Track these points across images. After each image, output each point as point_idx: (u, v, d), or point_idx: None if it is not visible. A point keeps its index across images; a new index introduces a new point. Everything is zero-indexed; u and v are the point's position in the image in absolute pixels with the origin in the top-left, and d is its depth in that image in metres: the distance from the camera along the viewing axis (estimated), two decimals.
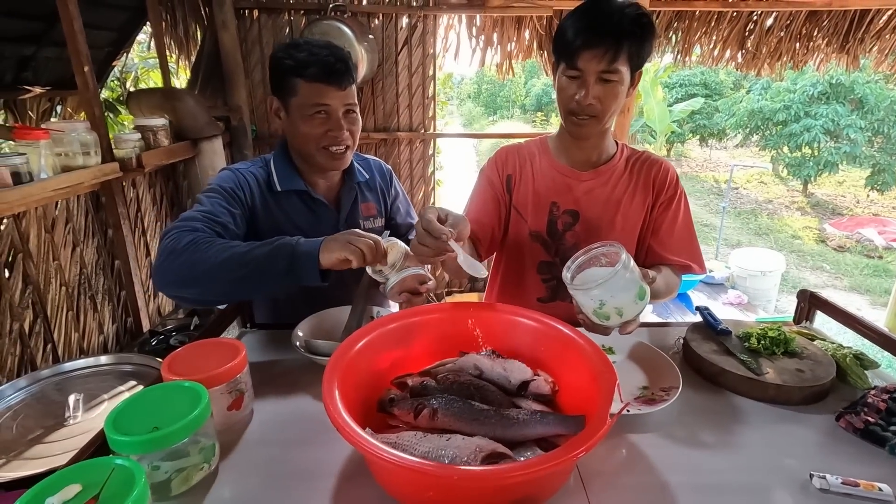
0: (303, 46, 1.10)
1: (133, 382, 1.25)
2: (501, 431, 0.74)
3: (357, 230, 0.97)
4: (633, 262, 0.87)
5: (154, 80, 3.59)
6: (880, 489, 0.70)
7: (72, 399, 1.14)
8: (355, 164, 1.30)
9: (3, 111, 2.31)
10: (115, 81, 3.44)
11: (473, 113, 22.63)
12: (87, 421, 1.13)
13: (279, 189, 1.18)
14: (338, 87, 1.11)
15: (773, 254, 5.41)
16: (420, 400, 0.79)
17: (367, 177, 1.34)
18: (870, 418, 0.83)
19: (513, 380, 0.87)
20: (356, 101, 1.18)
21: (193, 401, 0.72)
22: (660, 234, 1.23)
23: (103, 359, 1.29)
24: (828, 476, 0.72)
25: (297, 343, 1.02)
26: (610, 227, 1.21)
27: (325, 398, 0.68)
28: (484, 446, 0.70)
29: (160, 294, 2.14)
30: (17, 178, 1.29)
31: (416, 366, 0.93)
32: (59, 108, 2.68)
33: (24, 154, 1.31)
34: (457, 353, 0.94)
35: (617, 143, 1.25)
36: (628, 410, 0.83)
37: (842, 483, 0.71)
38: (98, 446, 0.72)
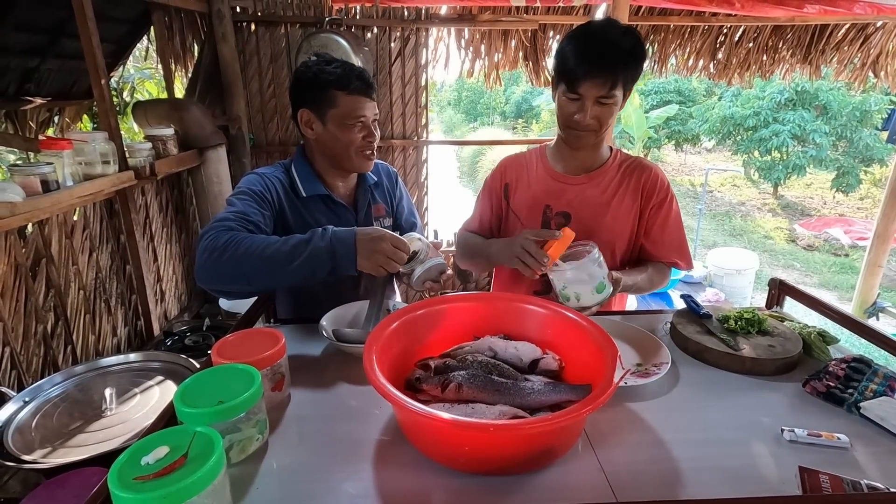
0: (334, 63, 1.22)
1: (160, 378, 1.33)
2: (520, 400, 0.84)
3: (384, 235, 1.06)
4: (602, 261, 1.07)
5: (149, 90, 3.64)
6: (839, 438, 0.83)
7: (107, 393, 1.22)
8: None
9: (4, 121, 2.35)
10: (113, 92, 3.48)
11: (454, 120, 22.81)
12: (121, 413, 1.20)
13: (304, 195, 1.27)
14: (371, 98, 1.25)
15: (747, 253, 5.66)
16: (445, 376, 0.90)
17: (376, 179, 1.44)
18: (831, 383, 0.96)
19: (524, 358, 0.98)
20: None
21: (247, 380, 0.81)
22: (651, 235, 1.35)
23: (132, 356, 1.36)
24: (796, 429, 0.85)
25: (325, 333, 1.12)
26: (600, 228, 1.32)
27: (370, 376, 0.77)
28: (506, 411, 0.81)
29: (167, 298, 2.20)
30: (46, 186, 1.36)
31: (435, 350, 1.03)
32: (56, 119, 2.72)
33: (52, 163, 1.38)
34: (471, 338, 1.05)
35: (611, 149, 1.38)
36: (626, 382, 0.95)
37: (807, 434, 0.84)
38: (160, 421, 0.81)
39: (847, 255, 7.35)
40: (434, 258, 1.14)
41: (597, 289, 1.06)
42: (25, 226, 1.44)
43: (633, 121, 10.02)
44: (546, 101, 12.59)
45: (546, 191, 1.35)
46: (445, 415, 0.69)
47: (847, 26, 3.14)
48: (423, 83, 3.00)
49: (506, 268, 1.49)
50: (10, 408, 1.17)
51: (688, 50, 3.29)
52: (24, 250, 1.43)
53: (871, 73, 3.33)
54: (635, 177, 1.33)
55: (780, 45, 3.24)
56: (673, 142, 12.86)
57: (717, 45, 3.27)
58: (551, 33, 3.10)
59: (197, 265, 1.06)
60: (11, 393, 1.22)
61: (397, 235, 1.07)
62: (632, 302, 3.93)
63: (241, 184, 1.23)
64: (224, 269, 1.03)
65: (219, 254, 1.02)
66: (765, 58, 3.28)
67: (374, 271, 1.06)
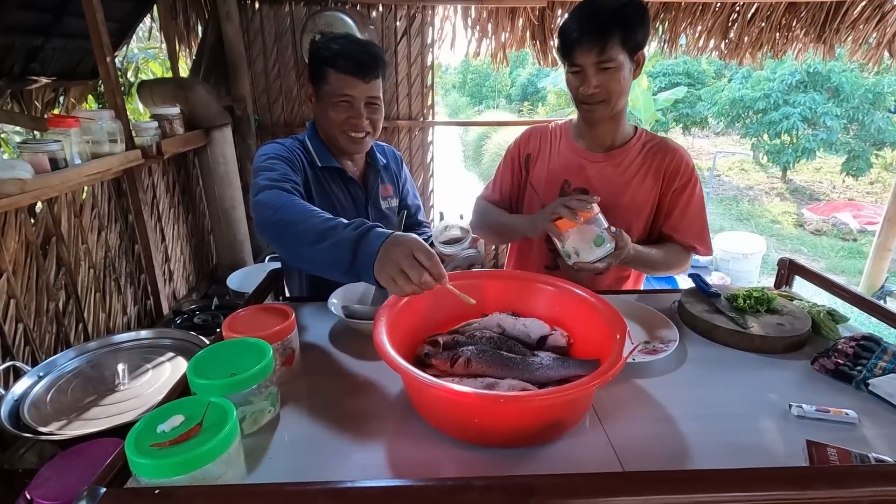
0: (339, 40, 1.21)
1: (171, 354, 1.34)
2: (529, 374, 0.85)
3: (409, 244, 0.83)
4: (600, 217, 1.10)
5: (153, 69, 3.61)
6: (847, 413, 0.83)
7: (119, 368, 1.24)
8: (374, 149, 1.41)
9: (10, 101, 2.34)
10: (117, 71, 3.45)
11: (459, 103, 22.62)
12: (134, 388, 1.22)
13: (319, 165, 1.28)
14: (362, 79, 1.20)
15: (754, 237, 5.63)
16: (454, 351, 0.90)
17: (385, 161, 1.44)
18: (840, 361, 0.96)
19: (532, 335, 0.98)
20: (380, 94, 1.25)
21: (259, 354, 0.82)
22: (671, 219, 1.33)
23: (143, 333, 1.38)
24: (804, 405, 0.85)
25: (334, 310, 1.12)
26: (616, 207, 1.30)
27: (381, 350, 0.78)
28: (515, 385, 0.82)
29: (175, 278, 2.22)
30: (54, 164, 1.36)
31: (444, 327, 1.04)
32: (62, 99, 2.71)
33: (59, 141, 1.38)
34: (480, 315, 1.06)
35: (636, 129, 1.34)
36: (633, 359, 0.96)
37: (816, 410, 0.84)
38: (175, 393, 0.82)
39: (855, 240, 7.29)
40: (472, 249, 1.13)
41: (595, 242, 1.09)
42: (35, 204, 1.45)
43: (640, 103, 9.88)
44: (552, 83, 12.42)
45: (566, 165, 1.34)
46: (456, 387, 0.70)
47: (863, 4, 3.06)
48: (428, 63, 2.96)
49: (518, 240, 1.50)
50: (25, 382, 1.19)
51: (699, 29, 3.23)
52: (34, 228, 1.45)
53: (886, 53, 3.26)
54: (658, 158, 1.30)
55: (794, 24, 3.16)
56: (681, 125, 12.70)
57: (729, 24, 3.20)
58: (559, 11, 3.04)
59: (257, 223, 1.04)
60: (26, 368, 1.24)
61: (428, 248, 0.84)
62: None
63: (265, 151, 1.21)
64: (273, 231, 1.00)
65: (273, 211, 1.00)
66: (778, 36, 3.21)
67: (385, 283, 0.85)
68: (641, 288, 1.55)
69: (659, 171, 1.30)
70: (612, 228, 1.11)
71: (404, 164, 1.55)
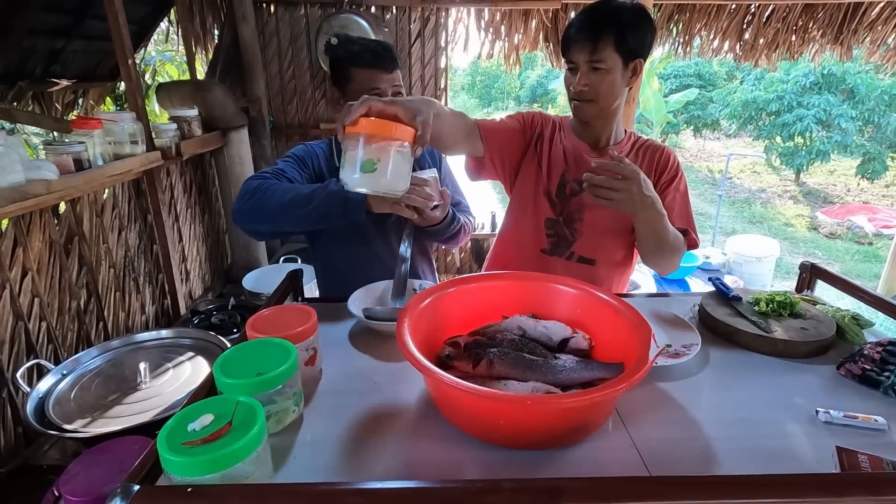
0: (356, 41, 1.28)
1: (191, 353, 1.36)
2: (552, 377, 0.85)
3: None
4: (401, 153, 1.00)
5: (170, 72, 3.66)
6: (876, 420, 0.82)
7: (141, 367, 1.25)
8: None
9: (32, 102, 2.38)
10: None
11: (468, 105, 22.64)
12: (155, 386, 1.24)
13: (338, 165, 1.30)
14: (385, 70, 1.27)
15: (767, 241, 5.56)
16: (477, 352, 0.90)
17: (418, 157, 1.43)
18: (866, 366, 0.95)
19: (554, 337, 0.98)
20: (401, 83, 1.33)
21: (283, 354, 0.83)
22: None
23: (164, 332, 1.39)
24: (831, 411, 0.84)
25: (354, 310, 1.13)
26: None
27: (406, 352, 0.77)
28: (539, 388, 0.81)
29: (192, 278, 2.24)
30: (79, 165, 1.38)
31: (464, 329, 1.04)
32: (80, 100, 2.75)
33: (83, 143, 1.41)
34: (500, 317, 1.06)
35: (626, 132, 1.39)
36: (656, 362, 0.95)
37: (843, 416, 0.83)
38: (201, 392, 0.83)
39: (871, 244, 7.19)
40: (430, 187, 1.19)
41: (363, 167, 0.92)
42: (58, 204, 1.47)
43: (651, 105, 9.84)
44: (562, 85, 12.39)
45: (567, 155, 1.36)
46: (484, 389, 0.70)
47: (882, 4, 3.02)
48: (442, 65, 2.97)
49: (513, 219, 1.46)
50: (49, 380, 1.21)
51: (713, 30, 3.21)
52: (57, 228, 1.47)
53: None
54: (648, 156, 1.34)
55: (811, 25, 3.13)
56: (692, 127, 12.62)
57: (745, 25, 3.18)
58: (573, 13, 3.04)
59: (233, 208, 1.19)
60: (50, 366, 1.25)
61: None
62: (650, 285, 3.89)
63: (289, 151, 1.35)
64: (254, 210, 1.16)
65: (250, 195, 1.16)
66: (794, 38, 3.18)
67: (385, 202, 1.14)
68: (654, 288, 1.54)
69: (650, 169, 1.33)
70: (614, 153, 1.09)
71: (445, 159, 1.53)
